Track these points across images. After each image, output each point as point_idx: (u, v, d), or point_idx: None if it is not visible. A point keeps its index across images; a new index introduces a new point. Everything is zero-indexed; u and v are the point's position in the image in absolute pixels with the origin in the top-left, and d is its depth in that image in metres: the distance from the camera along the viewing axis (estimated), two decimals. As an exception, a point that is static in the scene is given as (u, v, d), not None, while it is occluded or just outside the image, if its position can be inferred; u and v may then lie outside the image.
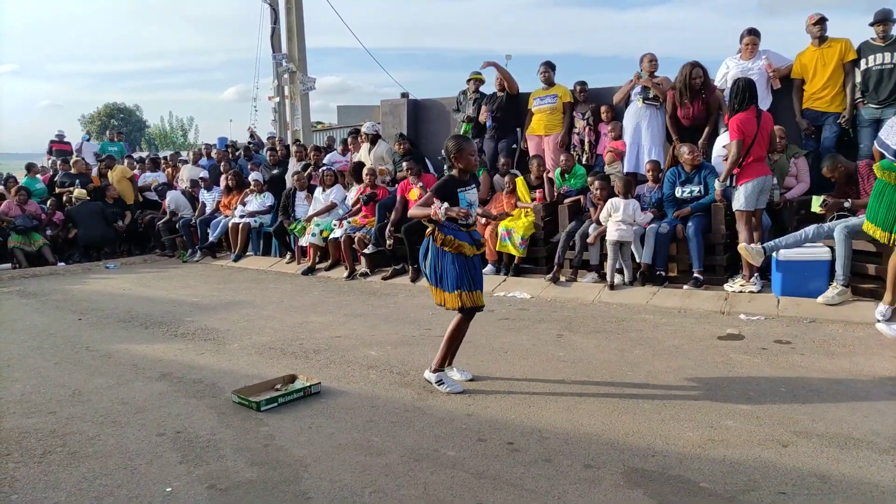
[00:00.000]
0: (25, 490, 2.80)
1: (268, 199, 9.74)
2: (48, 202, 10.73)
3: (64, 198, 10.95)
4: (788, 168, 6.41)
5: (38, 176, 12.57)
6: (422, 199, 3.92)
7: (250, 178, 9.90)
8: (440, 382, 3.91)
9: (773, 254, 5.52)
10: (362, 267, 8.07)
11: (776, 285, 5.68)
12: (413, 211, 3.90)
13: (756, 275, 5.88)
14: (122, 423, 3.51)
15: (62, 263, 9.96)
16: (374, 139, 9.09)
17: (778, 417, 3.32)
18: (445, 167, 4.54)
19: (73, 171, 11.27)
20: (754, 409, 3.44)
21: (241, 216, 9.74)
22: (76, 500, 2.70)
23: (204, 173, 10.86)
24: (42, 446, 3.25)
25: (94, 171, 11.65)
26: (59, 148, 14.14)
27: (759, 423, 3.26)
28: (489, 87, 8.48)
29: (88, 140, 16.09)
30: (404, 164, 8.04)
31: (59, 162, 12.61)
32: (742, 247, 5.50)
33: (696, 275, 6.13)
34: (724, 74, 6.84)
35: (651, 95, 6.97)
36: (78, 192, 10.55)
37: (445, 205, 3.71)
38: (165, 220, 10.57)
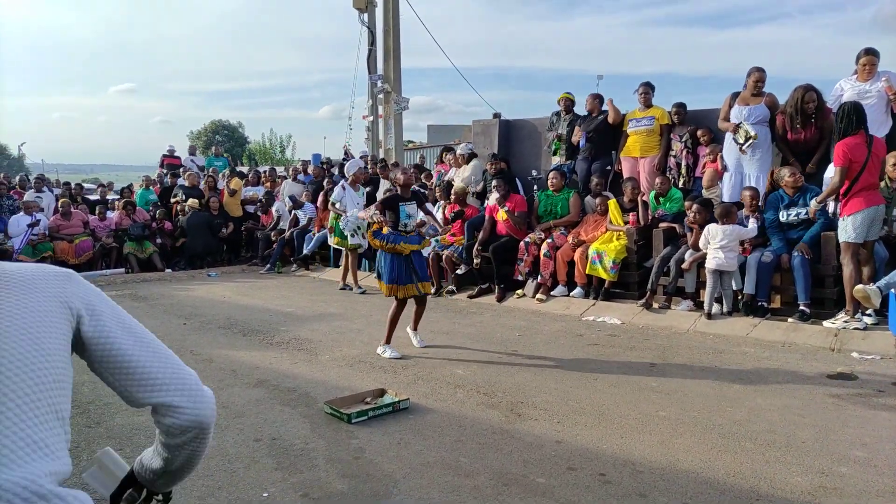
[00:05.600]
0: (136, 484, 2.97)
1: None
2: (157, 212, 11.51)
3: (174, 209, 11.72)
4: (908, 197, 5.94)
5: (152, 188, 13.53)
6: (372, 206, 5.61)
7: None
8: (384, 351, 5.17)
9: (893, 290, 5.12)
10: (449, 284, 8.12)
11: (893, 322, 5.26)
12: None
13: (861, 310, 5.47)
14: (223, 427, 3.67)
15: (169, 270, 10.65)
16: (468, 159, 9.20)
17: (899, 468, 3.06)
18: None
19: (186, 183, 12.07)
20: (871, 457, 3.18)
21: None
22: (180, 499, 2.83)
23: (302, 189, 11.34)
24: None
25: (202, 185, 12.38)
26: (170, 162, 15.09)
27: (876, 472, 3.01)
28: (580, 108, 8.42)
29: (193, 155, 17.13)
30: (493, 183, 8.06)
31: (169, 175, 13.53)
32: (859, 288, 5.12)
33: (801, 307, 5.77)
34: (837, 97, 6.43)
35: (742, 142, 6.62)
36: (191, 201, 11.27)
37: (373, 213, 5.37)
38: (266, 232, 11.11)
